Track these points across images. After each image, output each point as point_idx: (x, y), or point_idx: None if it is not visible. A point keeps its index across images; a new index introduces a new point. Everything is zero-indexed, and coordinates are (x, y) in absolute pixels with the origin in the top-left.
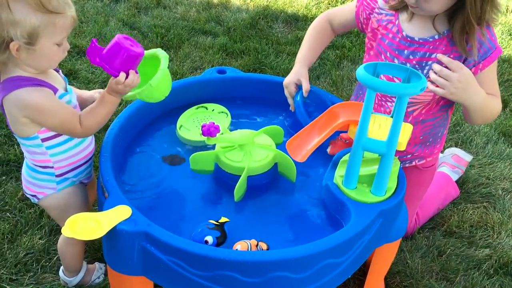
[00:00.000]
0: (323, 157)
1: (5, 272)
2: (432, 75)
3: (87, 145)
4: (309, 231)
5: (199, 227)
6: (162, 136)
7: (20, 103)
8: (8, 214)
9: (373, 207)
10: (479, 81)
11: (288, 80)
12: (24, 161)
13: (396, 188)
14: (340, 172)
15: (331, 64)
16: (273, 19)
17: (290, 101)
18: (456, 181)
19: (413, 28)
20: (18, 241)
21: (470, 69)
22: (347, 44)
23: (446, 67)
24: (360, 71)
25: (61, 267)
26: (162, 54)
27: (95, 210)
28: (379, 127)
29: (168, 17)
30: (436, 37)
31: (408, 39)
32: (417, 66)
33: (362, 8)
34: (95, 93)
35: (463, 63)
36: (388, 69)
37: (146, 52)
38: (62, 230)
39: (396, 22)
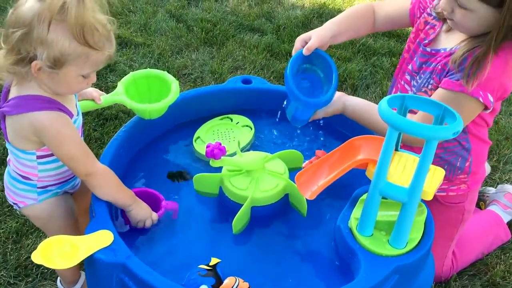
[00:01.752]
0: (342, 190)
1: (4, 275)
2: None
3: None
4: (313, 278)
5: (192, 275)
6: (175, 149)
7: (38, 126)
8: (18, 212)
9: (388, 261)
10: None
11: (299, 37)
12: (7, 167)
13: (421, 239)
14: (356, 214)
15: (384, 73)
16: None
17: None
18: (508, 223)
19: (441, 40)
20: (22, 243)
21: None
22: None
23: None
24: (384, 106)
25: (59, 277)
26: (172, 79)
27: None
28: (403, 169)
29: (218, 11)
30: (447, 50)
31: (421, 49)
32: (422, 76)
33: (418, 5)
34: (94, 91)
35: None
36: (418, 103)
37: (155, 71)
38: (32, 256)
39: (437, 30)
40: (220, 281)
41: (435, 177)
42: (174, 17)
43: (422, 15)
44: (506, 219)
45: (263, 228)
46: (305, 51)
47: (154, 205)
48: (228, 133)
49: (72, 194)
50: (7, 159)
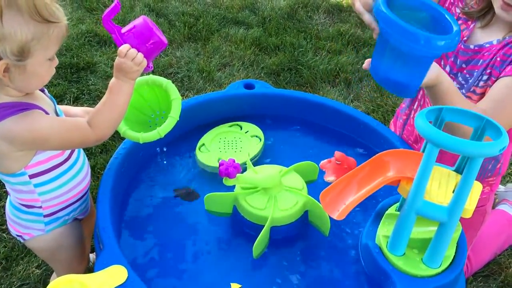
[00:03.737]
0: (365, 205)
1: None
2: None
3: (81, 180)
4: None
5: None
6: (179, 162)
7: (8, 136)
8: (5, 234)
9: (425, 282)
10: (495, 86)
11: None
12: (8, 197)
13: (454, 256)
14: (384, 231)
15: None
16: (314, 9)
17: (365, 17)
18: None
19: (479, 36)
20: (13, 269)
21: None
22: None
23: None
24: (420, 121)
25: None
26: (173, 95)
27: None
28: (439, 185)
29: (199, 3)
30: (495, 42)
31: (463, 47)
32: (467, 75)
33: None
34: (85, 113)
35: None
36: (456, 115)
37: (158, 78)
38: None
39: (471, 26)
40: None
41: (474, 193)
42: (154, 11)
43: (454, 8)
44: None
45: (282, 250)
46: None
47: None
48: (236, 142)
49: (81, 220)
50: (7, 189)
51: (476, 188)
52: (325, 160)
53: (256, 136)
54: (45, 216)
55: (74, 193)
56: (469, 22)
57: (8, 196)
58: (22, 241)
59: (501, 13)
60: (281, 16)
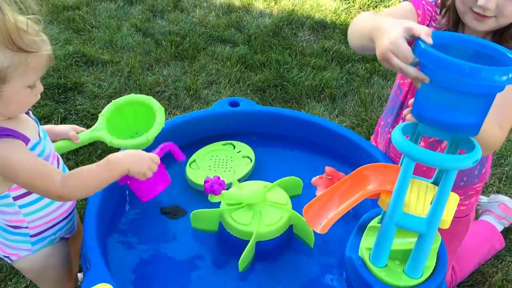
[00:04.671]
0: (349, 218)
1: None
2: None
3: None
4: None
5: None
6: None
7: None
8: None
9: None
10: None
11: (390, 40)
12: None
13: (435, 266)
14: (366, 243)
15: (360, 80)
16: (299, 26)
17: (410, 70)
18: (501, 231)
19: None
20: None
21: None
22: None
23: None
24: (397, 135)
25: None
26: (157, 106)
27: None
28: (417, 197)
29: (185, 22)
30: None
31: None
32: None
33: (423, 16)
34: (71, 129)
35: None
36: (431, 130)
37: (139, 96)
38: None
39: None
40: None
41: (451, 204)
42: (141, 31)
43: (429, 25)
44: (499, 228)
45: (268, 263)
46: (428, 39)
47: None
48: (226, 161)
49: (68, 239)
50: None
51: (453, 200)
52: (317, 177)
53: (248, 157)
54: (31, 236)
55: (59, 212)
56: None
57: None
58: (9, 262)
59: (475, 24)
60: (266, 33)
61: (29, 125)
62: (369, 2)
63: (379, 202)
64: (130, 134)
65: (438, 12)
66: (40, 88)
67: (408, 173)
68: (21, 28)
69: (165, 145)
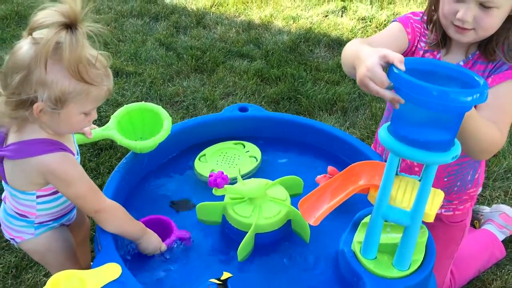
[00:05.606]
0: (344, 214)
1: None
2: None
3: None
4: None
5: None
6: (177, 177)
7: (44, 169)
8: (16, 246)
9: (394, 283)
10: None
11: (367, 67)
12: (3, 204)
13: (423, 260)
14: (359, 238)
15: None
16: (315, 43)
17: (387, 94)
18: (502, 240)
19: (448, 60)
20: (22, 277)
21: None
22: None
23: None
24: (382, 133)
25: None
26: (165, 115)
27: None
28: (404, 192)
29: (206, 38)
30: (461, 62)
31: None
32: None
33: (413, 33)
34: (88, 129)
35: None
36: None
37: (150, 104)
38: None
39: (438, 56)
40: None
41: (435, 199)
42: (164, 45)
43: (419, 44)
44: (500, 237)
45: (266, 255)
46: (401, 66)
47: (166, 232)
48: (234, 159)
49: (68, 226)
50: (3, 196)
51: (438, 196)
52: (321, 175)
53: (254, 157)
54: (35, 223)
55: (66, 210)
56: (435, 53)
57: (3, 204)
58: (15, 244)
59: (457, 36)
60: (283, 49)
61: (71, 140)
62: (385, 22)
63: (369, 197)
64: (135, 138)
65: (426, 28)
66: (94, 116)
67: (393, 167)
68: (90, 61)
69: (181, 233)
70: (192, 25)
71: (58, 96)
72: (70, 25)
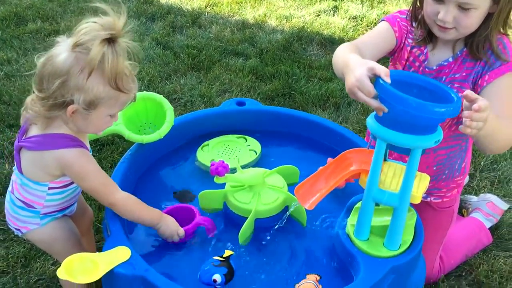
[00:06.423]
0: (339, 200)
1: None
2: (468, 123)
3: (79, 191)
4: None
5: (205, 265)
6: (179, 168)
7: (64, 162)
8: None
9: (385, 262)
10: (487, 95)
11: (356, 78)
12: (9, 195)
13: (412, 241)
14: (352, 221)
15: None
16: (308, 42)
17: (373, 102)
18: (489, 228)
19: (434, 57)
20: (31, 266)
21: (478, 81)
22: None
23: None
24: (370, 120)
25: None
26: (167, 106)
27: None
28: (392, 176)
29: (202, 37)
30: (451, 59)
31: (427, 69)
32: None
33: (400, 31)
34: None
35: (473, 76)
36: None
37: (152, 94)
38: (58, 272)
39: (425, 51)
40: (232, 271)
41: (421, 182)
42: (161, 45)
43: (407, 41)
44: (487, 225)
45: (266, 238)
46: (387, 78)
47: (189, 220)
48: (235, 151)
49: (70, 217)
50: (10, 189)
51: (424, 179)
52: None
53: (254, 151)
54: (41, 214)
55: (70, 202)
56: (422, 48)
57: (10, 194)
58: (20, 234)
59: (441, 34)
60: (277, 48)
61: (86, 138)
62: (376, 20)
63: (360, 182)
64: (140, 124)
65: (412, 25)
66: (117, 117)
67: (381, 153)
68: (125, 72)
69: (202, 219)
70: (188, 24)
71: (92, 100)
72: (112, 39)
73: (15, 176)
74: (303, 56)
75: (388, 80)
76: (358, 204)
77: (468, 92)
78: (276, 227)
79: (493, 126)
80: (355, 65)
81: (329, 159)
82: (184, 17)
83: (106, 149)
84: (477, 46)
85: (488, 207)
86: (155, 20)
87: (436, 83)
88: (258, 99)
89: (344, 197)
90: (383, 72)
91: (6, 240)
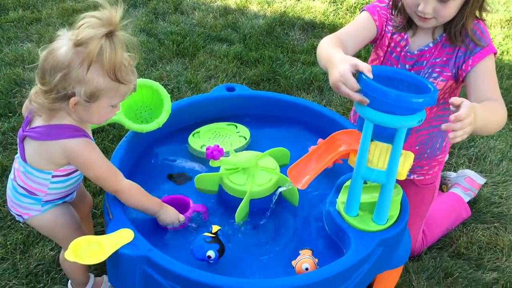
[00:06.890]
0: (328, 180)
1: (16, 283)
2: (451, 135)
3: (81, 179)
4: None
5: (197, 242)
6: (173, 152)
7: (69, 152)
8: (21, 224)
9: (374, 236)
10: (473, 79)
11: (340, 73)
12: (11, 182)
13: (398, 216)
14: (342, 198)
15: None
16: (290, 26)
17: (356, 96)
18: (468, 202)
19: (415, 42)
20: (30, 252)
21: (461, 66)
22: (362, 53)
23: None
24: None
25: (69, 280)
26: (164, 94)
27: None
28: (379, 155)
29: (185, 23)
30: (431, 44)
31: (408, 54)
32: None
33: (380, 20)
34: None
35: (454, 61)
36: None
37: (148, 81)
38: (66, 254)
39: (405, 36)
40: (223, 247)
41: (406, 160)
42: (144, 31)
43: (387, 28)
44: (466, 199)
45: (260, 218)
46: (369, 74)
47: (184, 208)
48: (225, 137)
49: (70, 203)
50: (12, 176)
51: (409, 157)
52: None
53: (244, 137)
54: (43, 201)
55: (71, 190)
56: (402, 34)
57: (12, 182)
58: (21, 220)
59: (420, 24)
60: (260, 33)
61: (89, 128)
62: (355, 4)
63: (349, 161)
64: (136, 109)
65: (392, 13)
66: (119, 107)
67: (368, 134)
68: (123, 64)
69: (198, 206)
70: (170, 11)
71: (93, 91)
72: (110, 33)
73: (17, 164)
74: (285, 41)
75: (370, 76)
76: (347, 183)
77: (452, 99)
78: (270, 208)
79: (483, 119)
80: (338, 61)
81: (320, 140)
82: (166, 3)
83: (96, 137)
84: (454, 33)
85: (466, 182)
86: (137, 7)
87: (413, 75)
88: (244, 84)
89: (333, 176)
90: (366, 68)
91: (3, 227)
